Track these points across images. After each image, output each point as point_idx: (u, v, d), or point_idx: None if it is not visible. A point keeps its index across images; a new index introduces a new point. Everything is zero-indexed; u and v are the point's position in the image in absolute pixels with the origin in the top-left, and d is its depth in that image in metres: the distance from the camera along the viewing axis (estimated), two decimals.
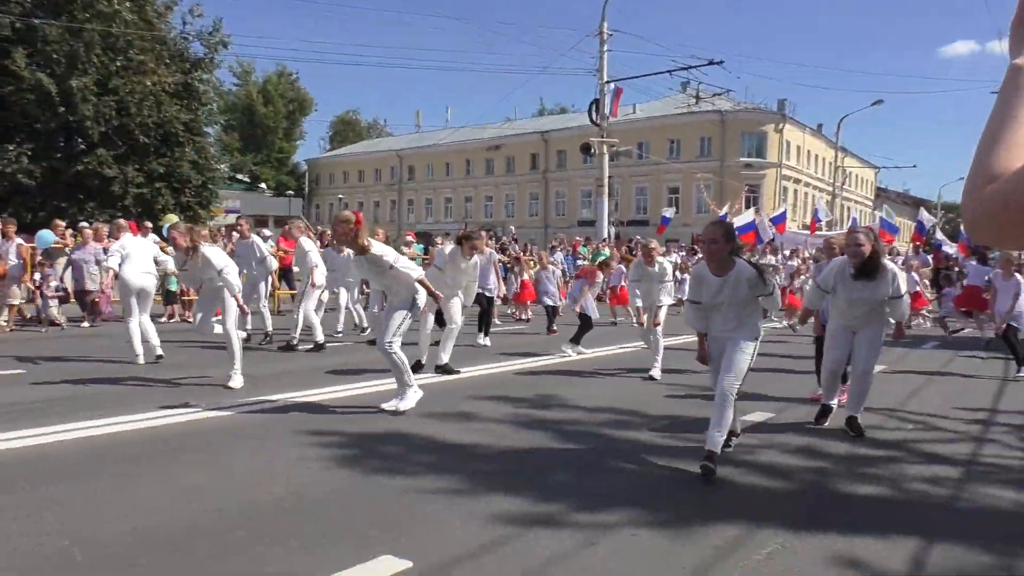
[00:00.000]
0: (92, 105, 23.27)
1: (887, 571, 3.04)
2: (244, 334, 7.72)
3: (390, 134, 73.50)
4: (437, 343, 7.97)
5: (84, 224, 14.03)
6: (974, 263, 13.27)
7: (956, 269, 16.49)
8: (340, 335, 10.83)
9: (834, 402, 5.79)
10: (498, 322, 12.63)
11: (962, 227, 21.30)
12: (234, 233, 11.62)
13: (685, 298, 5.42)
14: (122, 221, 9.53)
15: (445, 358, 7.73)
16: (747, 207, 29.03)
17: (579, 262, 20.28)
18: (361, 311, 11.38)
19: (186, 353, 8.58)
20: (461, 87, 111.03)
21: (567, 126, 50.47)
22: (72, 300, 11.81)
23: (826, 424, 5.66)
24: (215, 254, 6.77)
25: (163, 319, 11.97)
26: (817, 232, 22.44)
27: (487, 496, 3.79)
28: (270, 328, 9.99)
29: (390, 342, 5.78)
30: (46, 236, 12.51)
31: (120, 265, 7.95)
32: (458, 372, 7.71)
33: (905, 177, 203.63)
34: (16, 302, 11.17)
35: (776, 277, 12.24)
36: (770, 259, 18.00)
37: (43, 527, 3.20)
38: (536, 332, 12.25)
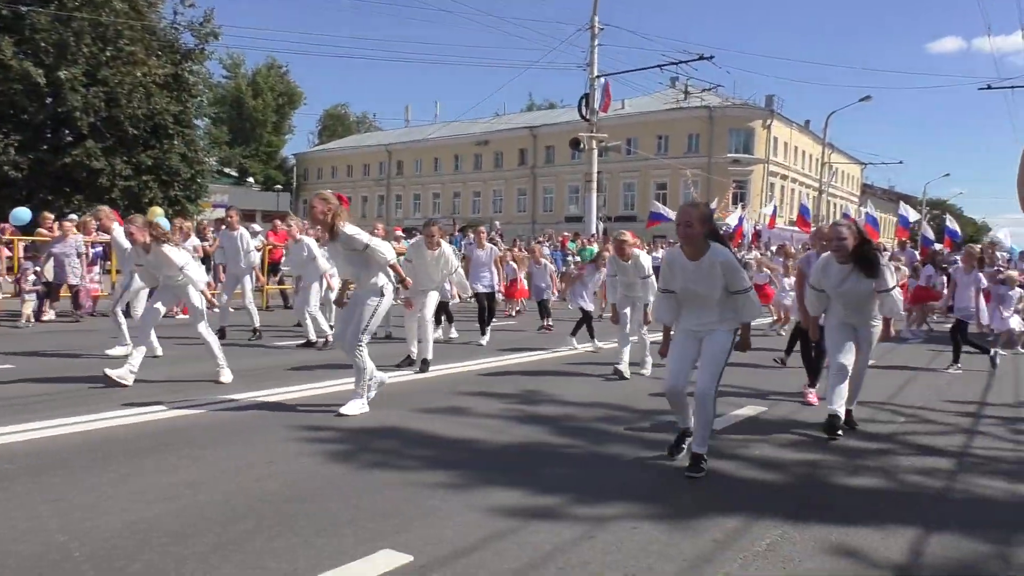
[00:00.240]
0: (81, 96, 22.87)
1: (885, 559, 3.08)
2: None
3: (379, 129, 73.27)
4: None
5: (73, 217, 13.87)
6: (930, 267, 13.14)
7: (944, 265, 16.54)
8: (332, 329, 10.75)
9: (841, 409, 5.20)
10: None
11: (947, 223, 21.53)
12: (222, 226, 11.51)
13: (657, 287, 4.96)
14: (105, 208, 9.07)
15: (428, 355, 7.59)
16: (734, 204, 29.17)
17: (568, 258, 20.29)
18: None
19: (179, 349, 8.52)
20: (451, 81, 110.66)
21: (555, 121, 50.50)
22: (58, 294, 11.63)
23: (840, 434, 5.11)
24: (175, 252, 6.57)
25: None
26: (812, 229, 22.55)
27: (485, 490, 3.79)
28: (257, 324, 9.92)
29: (359, 340, 5.36)
30: (21, 214, 12.19)
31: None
32: (426, 371, 7.46)
33: (891, 173, 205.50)
34: None
35: (773, 278, 12.17)
36: (755, 254, 17.96)
37: (40, 523, 3.17)
38: (529, 328, 12.26)
